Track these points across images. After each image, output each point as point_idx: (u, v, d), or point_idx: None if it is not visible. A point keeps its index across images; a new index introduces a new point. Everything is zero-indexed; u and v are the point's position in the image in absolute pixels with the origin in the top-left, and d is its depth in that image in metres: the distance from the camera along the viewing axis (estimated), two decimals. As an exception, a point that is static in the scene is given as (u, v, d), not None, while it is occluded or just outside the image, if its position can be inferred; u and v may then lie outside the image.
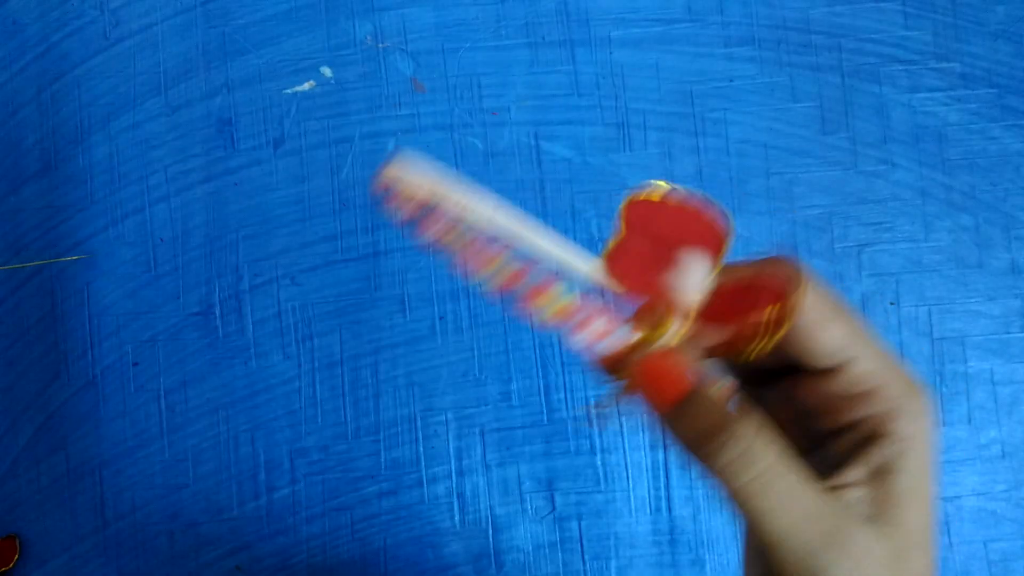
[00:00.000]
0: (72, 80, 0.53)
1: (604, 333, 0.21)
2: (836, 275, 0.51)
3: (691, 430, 0.22)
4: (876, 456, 0.23)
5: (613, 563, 0.49)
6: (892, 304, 0.51)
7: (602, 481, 0.50)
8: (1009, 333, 0.50)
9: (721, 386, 0.22)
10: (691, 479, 0.50)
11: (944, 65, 0.52)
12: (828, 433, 0.24)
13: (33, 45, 0.53)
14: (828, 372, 0.23)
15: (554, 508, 0.50)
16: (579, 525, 0.49)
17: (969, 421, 0.50)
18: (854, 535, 0.22)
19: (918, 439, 0.23)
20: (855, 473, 0.23)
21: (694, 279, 0.22)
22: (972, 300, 0.51)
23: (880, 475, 0.23)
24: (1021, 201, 0.51)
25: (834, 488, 0.22)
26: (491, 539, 0.49)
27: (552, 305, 0.21)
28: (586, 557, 0.49)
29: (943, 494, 0.49)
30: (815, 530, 0.22)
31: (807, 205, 0.51)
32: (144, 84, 0.53)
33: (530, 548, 0.49)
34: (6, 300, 0.52)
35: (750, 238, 0.51)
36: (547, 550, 0.49)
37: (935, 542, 0.23)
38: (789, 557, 0.22)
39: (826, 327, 0.23)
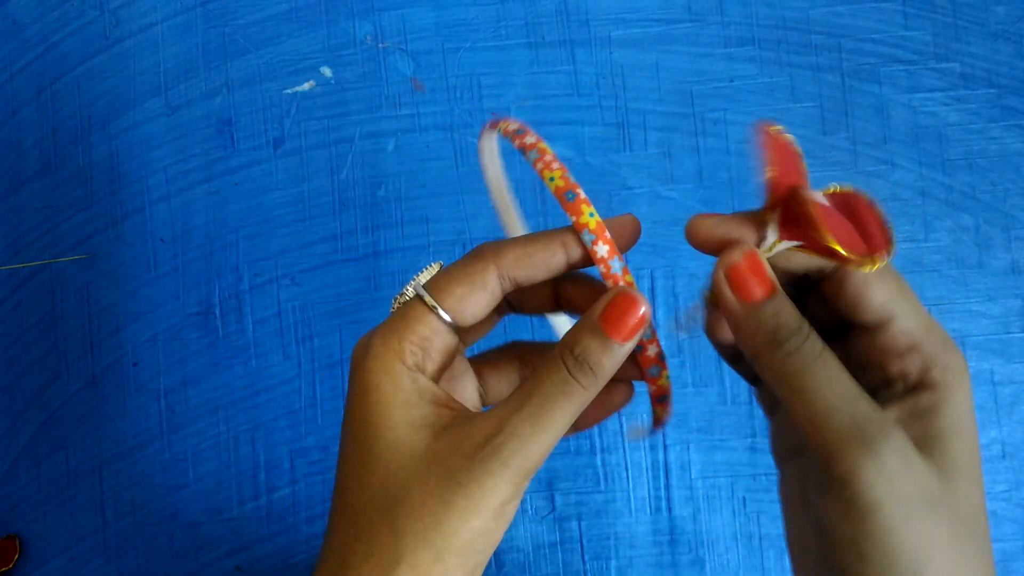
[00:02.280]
0: (72, 80, 0.53)
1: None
2: (836, 275, 0.51)
3: (764, 326, 0.23)
4: (917, 401, 0.24)
5: (613, 563, 0.49)
6: (892, 304, 0.51)
7: (602, 481, 0.50)
8: (1009, 333, 0.50)
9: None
10: (691, 479, 0.50)
11: (944, 65, 0.52)
12: (876, 386, 0.25)
13: (33, 45, 0.53)
14: (875, 329, 0.24)
15: (554, 508, 0.50)
16: (579, 525, 0.49)
17: (969, 421, 0.50)
18: (892, 434, 0.22)
19: (955, 387, 0.23)
20: (897, 413, 0.24)
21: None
22: (972, 300, 0.51)
23: (921, 416, 0.23)
24: (1021, 201, 0.51)
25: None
26: (491, 539, 0.49)
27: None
28: (586, 557, 0.49)
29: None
30: (852, 417, 0.22)
31: (807, 205, 0.51)
32: (144, 84, 0.53)
33: (530, 548, 0.49)
34: (6, 300, 0.52)
35: (750, 238, 0.51)
36: (547, 550, 0.49)
37: (981, 480, 0.23)
38: (826, 441, 0.22)
39: (873, 285, 0.24)
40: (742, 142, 0.52)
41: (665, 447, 0.50)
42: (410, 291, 0.26)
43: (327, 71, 0.53)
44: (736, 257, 0.23)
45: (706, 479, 0.49)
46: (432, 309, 0.25)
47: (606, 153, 0.52)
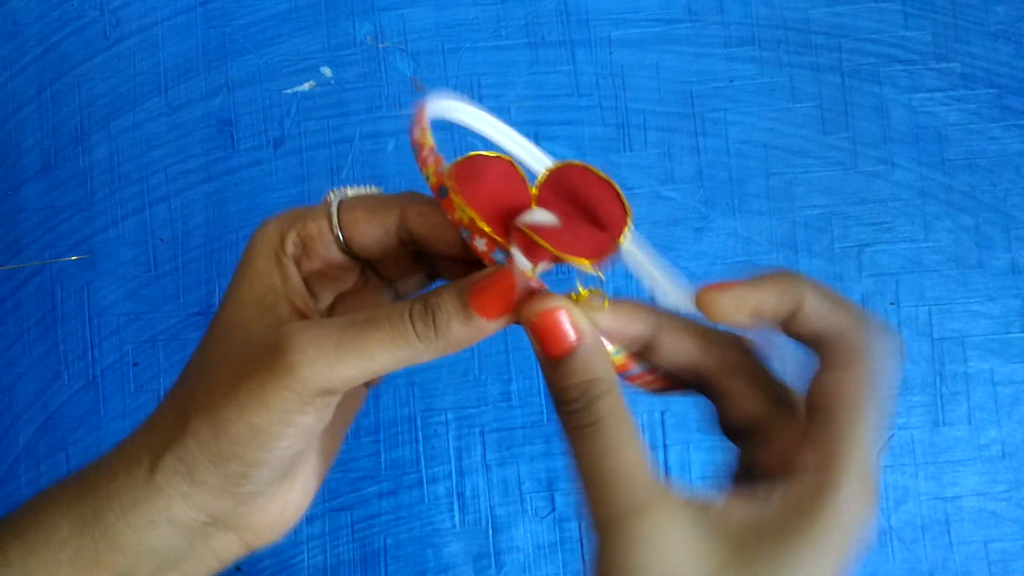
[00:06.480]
0: (72, 80, 0.53)
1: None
2: (836, 275, 0.51)
3: (572, 381, 0.22)
4: (797, 492, 0.22)
5: (613, 563, 0.49)
6: (892, 304, 0.51)
7: (602, 481, 0.50)
8: (1009, 333, 0.50)
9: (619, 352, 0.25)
10: (690, 479, 0.50)
11: (944, 65, 0.52)
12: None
13: (33, 45, 0.53)
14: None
15: (554, 508, 0.50)
16: (579, 525, 0.49)
17: (969, 421, 0.50)
18: (664, 506, 0.21)
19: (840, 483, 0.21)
20: (779, 499, 0.22)
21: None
22: (972, 300, 0.51)
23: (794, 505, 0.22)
24: (1021, 201, 0.51)
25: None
26: (491, 539, 0.49)
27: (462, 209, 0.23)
28: (586, 557, 0.49)
29: (943, 494, 0.49)
30: (630, 484, 0.21)
31: (807, 205, 0.51)
32: (144, 84, 0.53)
33: (530, 548, 0.49)
34: (6, 300, 0.52)
35: (750, 238, 0.51)
36: (547, 550, 0.49)
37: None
38: (600, 504, 0.21)
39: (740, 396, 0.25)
40: (742, 142, 0.52)
41: (665, 447, 0.50)
42: (333, 197, 0.26)
43: (327, 71, 0.53)
44: (535, 312, 0.23)
45: (706, 480, 0.49)
46: (329, 218, 0.25)
47: (606, 153, 0.52)
